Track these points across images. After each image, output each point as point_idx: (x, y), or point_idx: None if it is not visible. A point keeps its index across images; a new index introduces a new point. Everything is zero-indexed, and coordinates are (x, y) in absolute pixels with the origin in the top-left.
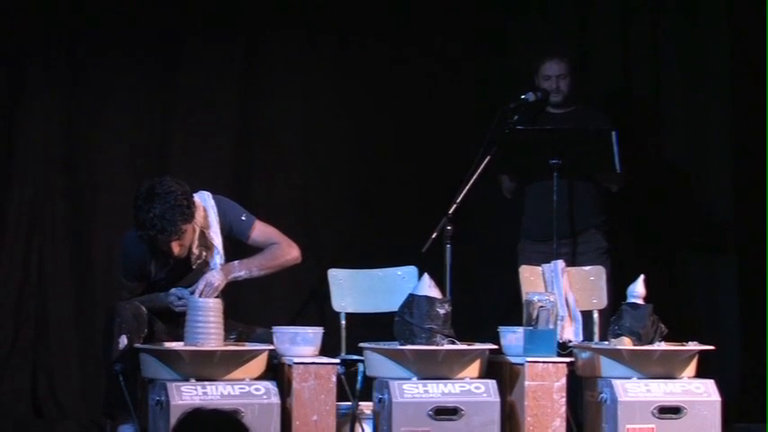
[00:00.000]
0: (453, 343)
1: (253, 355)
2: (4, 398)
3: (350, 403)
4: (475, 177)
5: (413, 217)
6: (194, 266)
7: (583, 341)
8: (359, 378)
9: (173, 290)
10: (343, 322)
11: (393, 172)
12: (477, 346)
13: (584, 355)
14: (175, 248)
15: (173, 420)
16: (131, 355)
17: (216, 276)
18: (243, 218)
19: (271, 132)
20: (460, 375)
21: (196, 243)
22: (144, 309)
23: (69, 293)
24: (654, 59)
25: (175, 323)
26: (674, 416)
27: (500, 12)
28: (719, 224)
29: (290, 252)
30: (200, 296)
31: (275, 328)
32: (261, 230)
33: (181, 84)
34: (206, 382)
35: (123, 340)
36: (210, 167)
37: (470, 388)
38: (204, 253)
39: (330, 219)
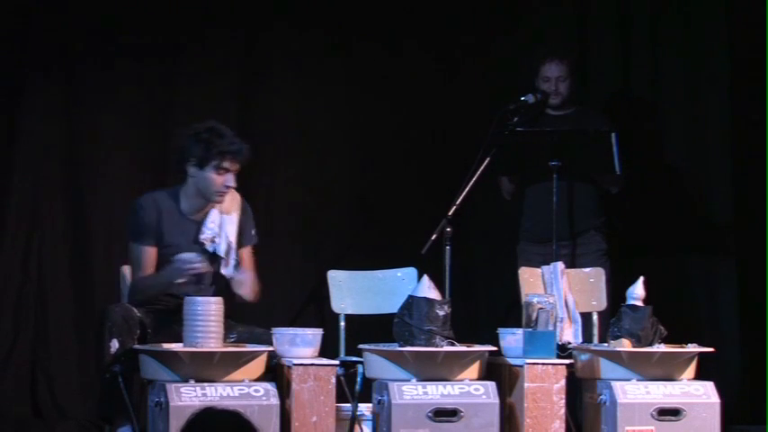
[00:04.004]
0: (453, 344)
1: (252, 356)
2: (4, 398)
3: (349, 405)
4: (474, 179)
5: (412, 218)
6: (201, 238)
7: (582, 343)
8: (358, 379)
9: (178, 255)
10: (343, 324)
11: (393, 173)
12: (477, 347)
13: (584, 356)
14: (231, 180)
15: (172, 421)
16: (128, 357)
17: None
18: (252, 232)
19: (271, 133)
20: (460, 377)
21: (218, 221)
22: (135, 311)
23: (69, 294)
24: (654, 60)
25: (176, 322)
26: (673, 418)
27: (500, 13)
28: (719, 224)
29: (254, 288)
30: (186, 266)
31: (275, 330)
32: (249, 255)
33: (180, 83)
34: (205, 384)
35: (114, 344)
36: None
37: (470, 389)
38: (216, 238)
39: (330, 220)
